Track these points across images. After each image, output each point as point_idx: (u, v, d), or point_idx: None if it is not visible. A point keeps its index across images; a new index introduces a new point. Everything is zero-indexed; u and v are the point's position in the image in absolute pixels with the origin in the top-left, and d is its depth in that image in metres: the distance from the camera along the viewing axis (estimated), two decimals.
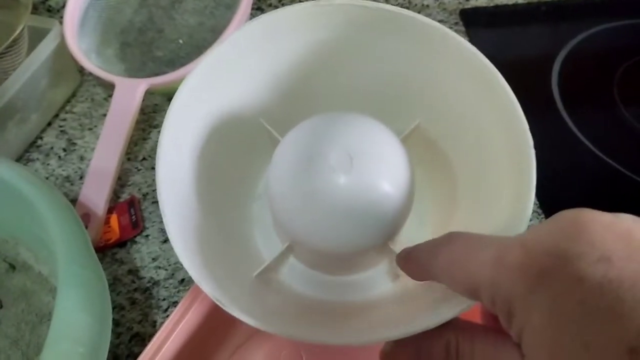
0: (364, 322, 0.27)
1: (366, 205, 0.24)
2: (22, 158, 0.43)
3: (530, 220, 0.24)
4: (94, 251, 0.31)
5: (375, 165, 0.25)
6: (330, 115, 0.27)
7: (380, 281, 0.30)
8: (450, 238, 0.20)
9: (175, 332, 0.29)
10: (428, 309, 0.23)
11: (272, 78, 0.31)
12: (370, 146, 0.25)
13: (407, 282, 0.28)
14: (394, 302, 0.28)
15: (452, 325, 0.21)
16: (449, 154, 0.31)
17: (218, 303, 0.23)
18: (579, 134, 0.45)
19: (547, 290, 0.15)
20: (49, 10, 0.53)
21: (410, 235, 0.28)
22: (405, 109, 0.31)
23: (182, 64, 0.41)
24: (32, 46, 0.42)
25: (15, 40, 0.40)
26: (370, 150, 0.25)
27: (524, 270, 0.16)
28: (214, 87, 0.29)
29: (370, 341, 0.22)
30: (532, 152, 0.25)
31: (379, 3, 0.28)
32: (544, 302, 0.15)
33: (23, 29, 0.41)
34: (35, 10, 0.51)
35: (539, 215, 0.39)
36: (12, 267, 0.36)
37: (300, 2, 0.29)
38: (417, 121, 0.30)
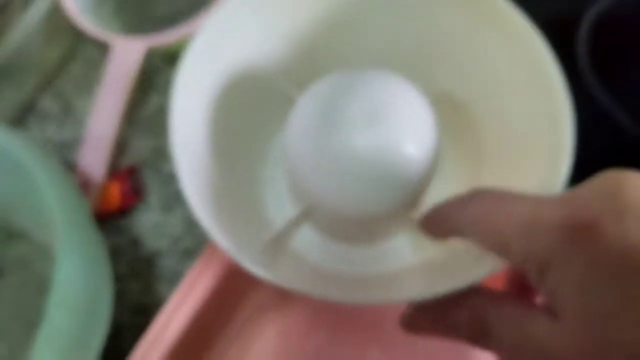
0: (380, 288, 0.26)
1: (388, 165, 0.23)
2: (18, 123, 0.42)
3: None
4: (92, 219, 0.30)
5: (400, 124, 0.24)
6: (352, 72, 0.26)
7: (401, 254, 0.29)
8: (479, 192, 0.20)
9: (183, 305, 0.28)
10: (452, 274, 0.22)
11: (289, 34, 0.30)
12: (395, 103, 0.24)
13: (429, 254, 0.27)
14: (415, 273, 0.27)
15: (479, 292, 0.20)
16: (476, 118, 0.30)
17: (231, 255, 0.22)
18: (608, 104, 0.42)
19: (588, 245, 0.15)
20: None
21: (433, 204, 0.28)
22: (431, 69, 0.30)
23: (184, 21, 0.39)
24: (25, 6, 0.40)
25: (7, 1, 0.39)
26: (394, 107, 0.24)
27: (564, 225, 0.16)
28: (225, 44, 0.28)
29: (391, 300, 0.21)
30: (568, 109, 0.24)
31: None
32: (584, 256, 0.15)
33: None
34: None
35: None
36: (10, 235, 0.35)
37: None
38: (443, 86, 0.29)
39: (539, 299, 0.22)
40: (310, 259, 0.29)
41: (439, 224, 0.22)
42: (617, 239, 0.15)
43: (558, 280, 0.16)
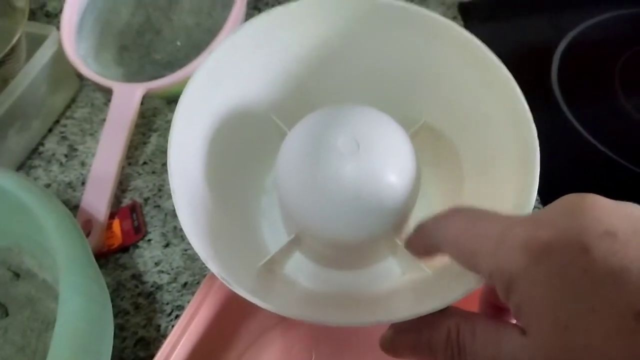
0: (367, 310, 0.27)
1: (372, 192, 0.25)
2: (24, 165, 0.44)
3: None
4: (94, 259, 0.31)
5: (382, 155, 0.25)
6: (338, 107, 0.27)
7: (386, 278, 0.30)
8: (456, 210, 0.21)
9: (184, 337, 0.29)
10: (433, 295, 0.23)
11: (280, 72, 0.31)
12: (377, 136, 0.26)
13: (412, 278, 0.29)
14: (398, 295, 0.29)
15: (453, 313, 0.21)
16: (455, 145, 0.31)
17: (224, 282, 0.23)
18: (578, 126, 0.44)
19: (552, 261, 0.16)
20: (47, 16, 0.53)
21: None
22: (412, 101, 0.31)
23: (180, 66, 0.41)
24: (30, 53, 0.42)
25: (13, 48, 0.40)
26: (376, 139, 0.26)
27: (528, 244, 0.17)
28: (221, 82, 0.29)
29: (371, 322, 0.23)
30: (536, 143, 0.25)
31: None
32: (547, 272, 0.16)
33: (21, 36, 0.41)
34: (33, 15, 0.51)
35: (538, 207, 0.39)
36: (17, 275, 0.36)
37: None
38: (424, 119, 0.31)
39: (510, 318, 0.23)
40: (301, 285, 0.30)
41: (421, 241, 0.23)
42: (577, 254, 0.16)
43: (523, 297, 0.17)
